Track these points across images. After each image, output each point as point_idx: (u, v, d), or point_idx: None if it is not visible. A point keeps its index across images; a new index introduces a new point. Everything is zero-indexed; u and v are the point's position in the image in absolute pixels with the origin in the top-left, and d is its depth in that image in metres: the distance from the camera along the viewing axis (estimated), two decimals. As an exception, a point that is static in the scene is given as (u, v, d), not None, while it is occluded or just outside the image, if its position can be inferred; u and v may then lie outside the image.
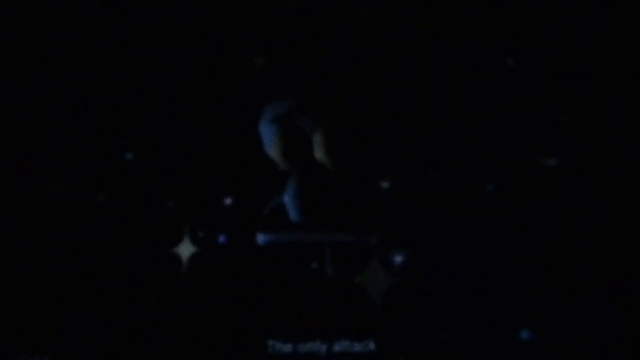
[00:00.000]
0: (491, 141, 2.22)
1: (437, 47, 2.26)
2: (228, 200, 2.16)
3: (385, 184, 2.19)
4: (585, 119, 2.23)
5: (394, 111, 2.23)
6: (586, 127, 2.22)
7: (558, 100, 2.24)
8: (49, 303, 2.03)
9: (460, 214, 2.17)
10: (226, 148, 2.19)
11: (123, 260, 2.09)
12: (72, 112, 2.17)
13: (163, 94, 2.20)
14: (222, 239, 2.12)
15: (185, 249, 2.10)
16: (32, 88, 2.15)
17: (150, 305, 2.05)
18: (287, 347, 2.02)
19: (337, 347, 2.03)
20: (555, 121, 2.24)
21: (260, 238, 2.12)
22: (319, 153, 2.17)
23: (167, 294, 2.07)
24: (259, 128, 2.18)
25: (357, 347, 2.03)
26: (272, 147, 2.16)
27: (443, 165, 2.22)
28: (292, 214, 2.14)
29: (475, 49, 2.25)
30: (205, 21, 2.23)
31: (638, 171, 2.17)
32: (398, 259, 2.12)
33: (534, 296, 2.10)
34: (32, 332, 2.00)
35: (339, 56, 2.25)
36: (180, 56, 2.21)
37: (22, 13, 2.13)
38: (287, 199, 2.15)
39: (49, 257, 2.06)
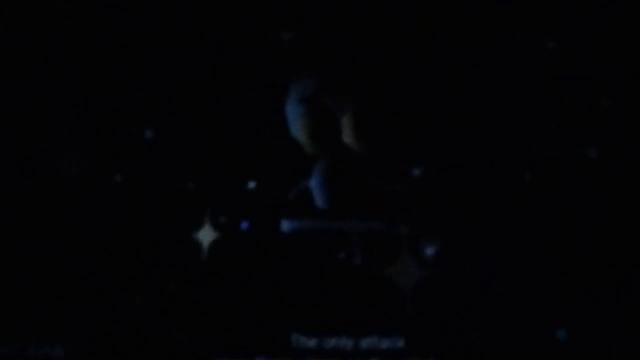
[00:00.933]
0: (530, 128, 2.14)
1: (475, 29, 2.17)
2: (252, 184, 2.10)
3: (417, 171, 2.12)
4: (629, 106, 2.14)
5: (428, 93, 2.16)
6: (630, 115, 2.12)
7: (600, 85, 2.15)
8: (63, 289, 1.99)
9: (496, 203, 2.09)
10: (250, 129, 2.14)
11: (140, 246, 2.04)
12: (88, 87, 2.12)
13: (186, 70, 2.14)
14: (244, 225, 2.08)
15: (206, 235, 2.05)
16: (48, 65, 2.10)
17: (168, 293, 2.00)
18: (311, 342, 1.97)
19: (364, 344, 1.97)
20: (598, 108, 2.14)
21: (285, 225, 2.07)
22: (347, 136, 2.11)
23: (187, 282, 2.03)
24: (285, 108, 2.12)
25: (386, 343, 1.97)
26: (298, 129, 2.10)
27: (479, 152, 2.14)
28: (319, 200, 2.09)
29: (513, 30, 2.16)
30: None
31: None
32: (430, 250, 2.06)
33: (573, 294, 2.03)
34: (46, 318, 1.96)
35: (371, 33, 2.17)
36: (205, 31, 2.15)
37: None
38: (314, 184, 2.10)
39: (64, 242, 2.02)
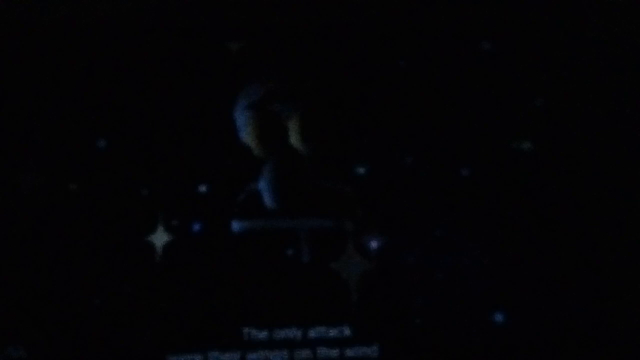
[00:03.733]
0: (466, 125, 2.28)
1: (414, 30, 2.30)
2: (202, 188, 2.17)
3: (360, 170, 2.22)
4: (560, 103, 2.29)
5: (369, 96, 2.27)
6: (561, 111, 2.28)
7: (533, 84, 2.29)
8: (20, 293, 2.05)
9: (435, 198, 2.23)
10: (200, 134, 2.20)
11: (98, 250, 2.10)
12: (43, 100, 2.18)
13: (135, 80, 2.22)
14: (196, 226, 2.14)
15: (160, 238, 2.12)
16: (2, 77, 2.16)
17: (125, 293, 2.08)
18: (262, 334, 2.07)
19: (313, 333, 2.07)
20: (530, 105, 2.29)
21: (235, 225, 2.15)
22: (294, 139, 2.20)
23: (142, 282, 2.10)
24: (233, 114, 2.20)
25: (333, 332, 2.08)
26: (246, 134, 2.18)
27: (419, 148, 2.26)
28: (267, 201, 2.17)
29: (451, 32, 2.29)
30: (177, 6, 2.25)
31: (614, 157, 2.24)
32: (373, 244, 2.16)
33: (508, 280, 2.17)
34: (4, 322, 2.03)
35: (313, 40, 2.28)
36: (154, 40, 2.23)
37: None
38: (262, 185, 2.18)
39: (20, 248, 2.08)
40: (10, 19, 2.16)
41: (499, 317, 2.14)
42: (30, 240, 2.07)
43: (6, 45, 2.16)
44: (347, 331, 2.08)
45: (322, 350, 2.07)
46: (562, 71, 2.29)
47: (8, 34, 2.16)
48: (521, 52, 2.29)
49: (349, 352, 2.07)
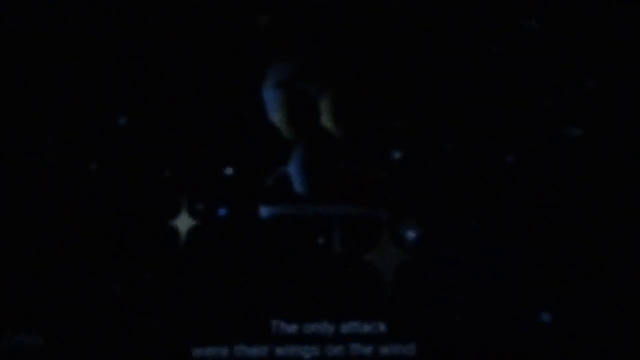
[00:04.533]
0: (512, 109, 2.19)
1: (455, 8, 2.21)
2: (229, 170, 2.14)
3: (397, 154, 2.17)
4: (612, 87, 2.19)
5: (408, 75, 2.20)
6: (613, 96, 2.18)
7: (583, 66, 2.21)
8: (38, 278, 2.02)
9: (477, 186, 2.15)
10: (227, 114, 2.16)
11: (117, 235, 2.07)
12: (61, 73, 2.14)
13: (160, 54, 2.16)
14: (222, 211, 2.11)
15: (183, 223, 2.09)
16: (18, 49, 2.12)
17: (146, 281, 2.04)
18: (291, 328, 2.01)
19: (345, 329, 2.02)
20: (580, 89, 2.20)
21: (264, 211, 2.11)
22: (326, 120, 2.16)
23: (165, 270, 2.06)
24: (262, 93, 2.16)
25: (367, 328, 2.02)
26: (276, 113, 2.14)
27: (460, 133, 2.18)
28: (298, 185, 2.14)
29: (496, 10, 2.20)
30: None
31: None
32: (411, 234, 2.11)
33: (555, 276, 2.08)
34: (21, 308, 1.99)
35: (348, 14, 2.20)
36: (180, 15, 2.17)
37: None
38: (292, 169, 2.14)
39: (41, 231, 2.05)
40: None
41: (546, 317, 2.06)
42: (50, 224, 2.05)
43: (24, 17, 2.11)
44: (382, 327, 2.03)
45: (355, 347, 2.02)
46: (614, 51, 2.20)
47: (28, 5, 2.10)
48: (570, 31, 2.20)
49: (384, 350, 2.01)
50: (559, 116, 2.18)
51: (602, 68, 2.20)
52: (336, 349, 2.01)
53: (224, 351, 1.98)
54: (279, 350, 2.00)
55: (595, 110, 2.18)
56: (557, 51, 2.20)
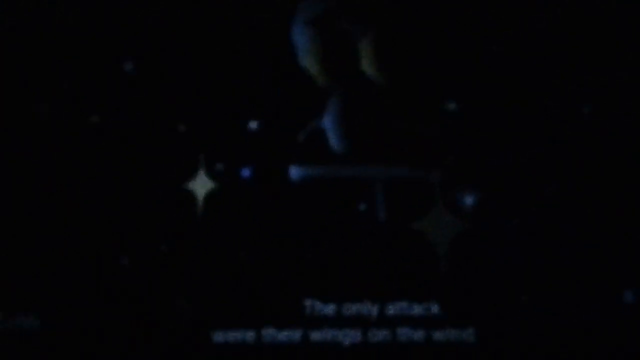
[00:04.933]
0: (584, 52, 2.02)
1: None
2: (253, 124, 2.06)
3: (452, 105, 2.04)
4: None
5: (462, 14, 2.04)
6: None
7: None
8: (37, 249, 1.94)
9: (546, 141, 2.00)
10: (251, 57, 2.06)
11: (125, 200, 2.02)
12: (58, 11, 2.03)
13: None
14: (246, 172, 2.05)
15: (201, 185, 2.03)
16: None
17: (160, 254, 1.97)
18: (328, 309, 1.92)
19: (391, 310, 1.92)
20: None
21: (294, 172, 2.04)
22: (367, 65, 2.04)
23: (180, 241, 2.00)
24: (292, 32, 2.05)
25: (417, 310, 1.92)
26: (308, 57, 2.04)
27: (528, 81, 2.03)
28: (334, 142, 2.05)
29: None
30: None
31: None
32: (468, 199, 1.99)
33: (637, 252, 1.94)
34: (16, 283, 1.91)
35: None
36: None
37: None
38: (328, 122, 2.05)
39: (40, 197, 1.98)
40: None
41: (629, 297, 1.89)
42: (49, 188, 1.99)
43: None
44: (434, 309, 1.92)
45: (403, 332, 1.90)
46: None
47: None
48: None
49: (438, 336, 1.90)
50: (636, 67, 2.00)
51: None
52: (381, 334, 1.91)
53: (250, 335, 1.89)
54: (314, 335, 1.91)
55: None
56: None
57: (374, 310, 1.92)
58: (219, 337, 1.88)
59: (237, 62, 2.07)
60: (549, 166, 2.00)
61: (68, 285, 1.92)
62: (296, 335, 1.91)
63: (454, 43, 2.05)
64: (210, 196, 2.02)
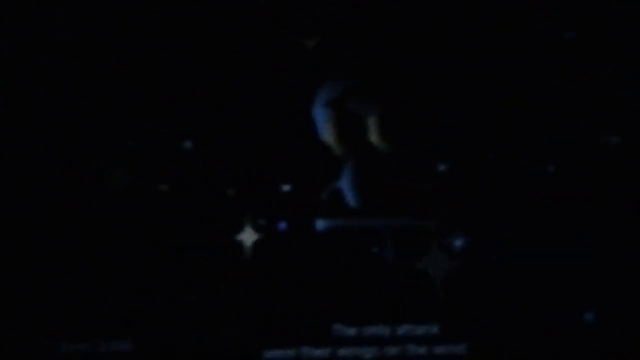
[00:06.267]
0: (551, 120, 2.32)
1: (493, 23, 2.35)
2: (286, 187, 2.29)
3: (442, 166, 2.30)
4: None
5: (450, 92, 2.32)
6: None
7: (620, 76, 2.34)
8: (129, 291, 2.19)
9: (520, 195, 2.28)
10: (282, 135, 2.31)
11: (190, 250, 2.23)
12: (129, 103, 2.31)
13: (217, 81, 2.33)
14: (282, 225, 2.27)
15: (248, 236, 2.25)
16: (88, 84, 2.29)
17: (219, 292, 2.22)
18: (351, 331, 2.18)
19: (401, 330, 2.18)
20: (618, 98, 2.34)
21: (320, 224, 2.27)
22: (374, 137, 2.29)
23: (234, 281, 2.23)
24: (312, 113, 2.31)
25: (421, 329, 2.18)
26: (326, 132, 2.28)
27: (502, 145, 2.32)
28: (350, 200, 2.28)
29: (532, 22, 2.34)
30: (251, 2, 2.34)
31: None
32: (458, 242, 2.25)
33: (600, 279, 2.23)
34: (107, 316, 2.16)
35: (391, 36, 2.35)
36: (232, 40, 2.33)
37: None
38: (344, 184, 2.28)
39: (116, 249, 2.22)
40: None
41: (589, 317, 2.20)
42: (122, 242, 2.21)
43: (94, 55, 2.28)
44: (434, 329, 2.18)
45: (410, 347, 2.17)
46: None
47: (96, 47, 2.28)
48: (606, 41, 2.33)
49: (438, 350, 2.17)
50: (598, 125, 2.30)
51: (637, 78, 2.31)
52: (393, 350, 2.16)
53: (292, 353, 2.14)
54: (342, 351, 2.16)
55: (631, 119, 2.31)
56: (594, 60, 2.32)
57: (387, 330, 2.17)
58: (269, 354, 2.14)
59: (272, 138, 2.29)
60: (518, 215, 2.26)
61: (153, 316, 2.15)
62: (327, 352, 2.16)
63: (440, 119, 2.31)
64: (255, 245, 2.24)
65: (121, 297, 2.19)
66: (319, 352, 2.17)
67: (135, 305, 2.19)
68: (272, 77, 2.35)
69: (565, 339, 2.19)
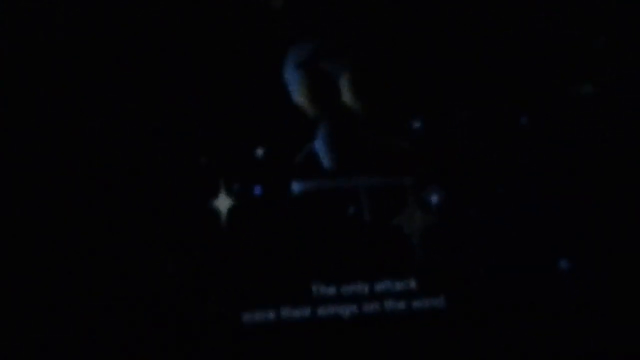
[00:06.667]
0: (523, 72, 2.33)
1: None
2: (260, 152, 2.27)
3: (416, 124, 2.31)
4: (622, 46, 2.33)
5: (421, 48, 2.32)
6: (623, 54, 2.33)
7: (593, 26, 2.35)
8: (86, 262, 2.17)
9: (494, 148, 2.30)
10: (254, 99, 2.29)
11: (165, 219, 2.23)
12: (105, 80, 2.27)
13: (188, 47, 2.30)
14: (257, 190, 2.26)
15: (223, 203, 2.23)
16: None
17: (197, 258, 2.21)
18: (330, 289, 2.21)
19: (379, 287, 2.20)
20: (591, 48, 2.35)
21: (296, 186, 2.25)
22: (347, 97, 2.29)
23: (212, 246, 2.23)
24: (284, 75, 2.29)
25: (399, 286, 2.21)
26: (299, 94, 2.27)
27: (474, 99, 2.32)
28: (325, 161, 2.28)
29: None
30: None
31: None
32: (434, 198, 2.27)
33: (574, 228, 2.27)
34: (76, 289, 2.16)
35: None
36: (198, 5, 2.30)
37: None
38: (319, 145, 2.28)
39: (92, 219, 2.21)
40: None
41: (563, 265, 2.24)
42: (93, 207, 2.19)
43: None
44: (412, 284, 2.21)
45: (389, 304, 2.20)
46: (625, 8, 2.32)
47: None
48: None
49: (416, 304, 2.20)
50: (570, 75, 2.32)
51: (612, 26, 2.31)
52: (372, 306, 2.19)
53: (271, 314, 2.16)
54: (321, 310, 2.18)
55: (606, 68, 2.32)
56: (564, 9, 2.32)
57: (365, 288, 2.20)
58: (247, 316, 2.16)
59: (244, 103, 2.26)
60: (492, 169, 2.28)
61: (116, 286, 2.12)
62: (307, 311, 2.18)
63: (412, 75, 2.30)
64: (231, 211, 2.22)
65: (99, 266, 2.20)
66: (298, 312, 2.20)
67: (116, 273, 2.20)
68: (240, 41, 2.32)
69: (541, 286, 2.24)
